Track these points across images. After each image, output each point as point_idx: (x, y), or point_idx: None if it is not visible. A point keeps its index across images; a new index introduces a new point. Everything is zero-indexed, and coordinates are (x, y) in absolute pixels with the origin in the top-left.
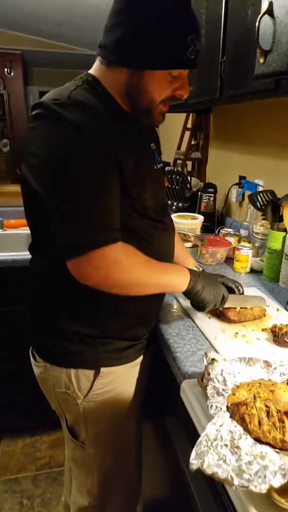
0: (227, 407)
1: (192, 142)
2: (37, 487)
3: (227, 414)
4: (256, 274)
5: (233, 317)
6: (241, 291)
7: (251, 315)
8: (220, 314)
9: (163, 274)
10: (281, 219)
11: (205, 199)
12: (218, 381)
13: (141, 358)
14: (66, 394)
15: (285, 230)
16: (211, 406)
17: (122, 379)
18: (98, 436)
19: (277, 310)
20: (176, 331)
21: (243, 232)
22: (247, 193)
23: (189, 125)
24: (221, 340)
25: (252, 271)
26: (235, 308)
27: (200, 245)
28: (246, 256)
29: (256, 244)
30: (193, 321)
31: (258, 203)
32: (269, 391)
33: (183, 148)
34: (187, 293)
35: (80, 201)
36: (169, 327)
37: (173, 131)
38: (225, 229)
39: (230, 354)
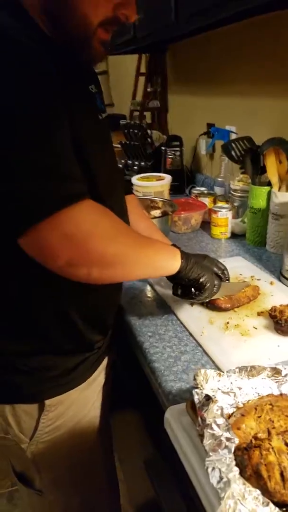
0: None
1: (149, 89)
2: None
3: (235, 474)
4: (238, 239)
5: (224, 304)
6: (227, 276)
7: (244, 298)
8: (208, 304)
9: (150, 248)
10: (263, 171)
11: (171, 155)
12: (218, 426)
13: (100, 366)
14: (5, 439)
15: (268, 183)
16: (212, 470)
17: (77, 405)
18: (57, 480)
19: (271, 283)
20: (152, 329)
21: (218, 190)
22: (219, 143)
23: (143, 70)
24: (210, 335)
25: (233, 235)
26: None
27: (170, 212)
28: (225, 219)
29: (235, 204)
30: (173, 312)
31: (234, 154)
32: (285, 416)
33: (139, 97)
34: (178, 274)
35: (29, 142)
36: (143, 324)
37: (125, 78)
38: (197, 188)
39: (223, 356)
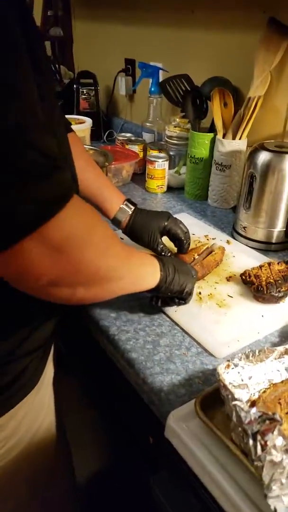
0: None
1: (48, 13)
2: None
3: None
4: (175, 193)
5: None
6: (188, 240)
7: (213, 262)
8: None
9: (135, 260)
10: (205, 114)
11: (85, 95)
12: (276, 448)
13: (49, 357)
14: None
15: (209, 130)
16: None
17: (31, 415)
18: (16, 510)
19: (228, 242)
20: (115, 309)
21: (147, 137)
22: (145, 82)
23: None
24: (185, 311)
25: (169, 189)
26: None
27: (106, 163)
28: (162, 170)
29: (171, 152)
30: None
31: (173, 95)
32: None
33: (36, 22)
34: (158, 288)
35: None
36: (101, 305)
37: None
38: (123, 134)
39: (207, 335)
